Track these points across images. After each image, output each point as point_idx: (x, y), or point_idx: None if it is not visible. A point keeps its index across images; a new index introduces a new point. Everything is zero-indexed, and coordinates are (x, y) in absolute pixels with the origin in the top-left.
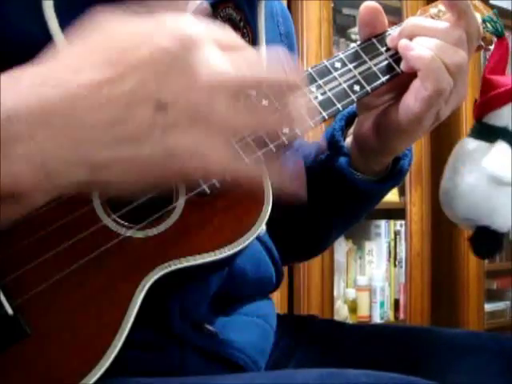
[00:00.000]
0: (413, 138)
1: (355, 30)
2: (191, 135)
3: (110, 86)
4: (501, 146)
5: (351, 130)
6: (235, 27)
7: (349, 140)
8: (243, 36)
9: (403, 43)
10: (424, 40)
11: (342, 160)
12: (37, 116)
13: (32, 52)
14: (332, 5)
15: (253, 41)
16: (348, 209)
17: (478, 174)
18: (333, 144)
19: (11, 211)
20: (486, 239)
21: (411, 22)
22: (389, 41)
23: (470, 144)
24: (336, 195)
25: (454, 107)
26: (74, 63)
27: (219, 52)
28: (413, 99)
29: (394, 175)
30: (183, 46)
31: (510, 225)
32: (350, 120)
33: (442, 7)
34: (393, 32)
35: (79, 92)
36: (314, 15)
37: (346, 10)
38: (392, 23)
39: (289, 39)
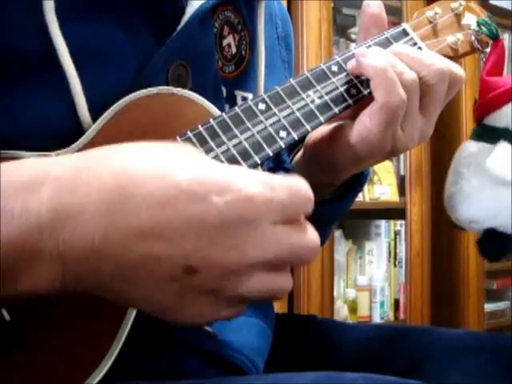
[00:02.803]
0: (362, 160)
1: (355, 30)
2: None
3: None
4: (503, 146)
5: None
6: (233, 30)
7: (299, 154)
8: (241, 39)
9: (360, 50)
10: (381, 52)
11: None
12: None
13: (30, 58)
14: (332, 5)
15: (251, 44)
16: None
17: (481, 175)
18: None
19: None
20: (494, 241)
21: (398, 49)
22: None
23: (472, 147)
24: None
25: (413, 138)
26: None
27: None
28: (367, 115)
29: (341, 196)
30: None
31: None
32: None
33: (438, 10)
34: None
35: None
36: (314, 15)
37: (346, 10)
38: (392, 23)
39: (286, 42)
